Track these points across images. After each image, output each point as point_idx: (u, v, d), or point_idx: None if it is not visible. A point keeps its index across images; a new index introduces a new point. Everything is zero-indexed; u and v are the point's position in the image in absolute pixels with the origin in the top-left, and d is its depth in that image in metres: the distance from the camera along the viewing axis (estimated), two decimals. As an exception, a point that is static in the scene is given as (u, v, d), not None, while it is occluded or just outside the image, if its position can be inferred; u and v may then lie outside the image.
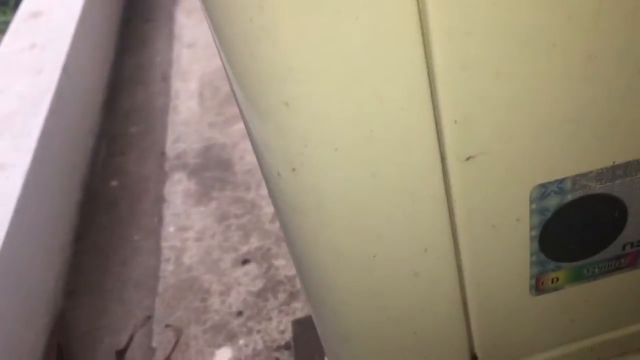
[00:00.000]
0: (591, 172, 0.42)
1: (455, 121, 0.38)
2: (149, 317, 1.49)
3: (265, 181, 0.45)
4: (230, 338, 1.53)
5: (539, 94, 0.37)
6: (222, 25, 0.36)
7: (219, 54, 0.39)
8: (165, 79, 2.00)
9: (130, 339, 1.40)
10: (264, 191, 1.96)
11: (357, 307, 0.48)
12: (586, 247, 0.47)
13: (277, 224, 1.82)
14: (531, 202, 0.43)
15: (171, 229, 1.67)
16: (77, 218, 1.52)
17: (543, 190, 0.42)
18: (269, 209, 1.83)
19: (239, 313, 1.60)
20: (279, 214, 0.46)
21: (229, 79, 0.40)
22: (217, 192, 1.83)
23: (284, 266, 1.65)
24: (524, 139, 0.39)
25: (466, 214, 0.43)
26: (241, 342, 1.54)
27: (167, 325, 1.43)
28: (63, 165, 1.42)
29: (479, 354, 0.52)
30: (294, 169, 0.40)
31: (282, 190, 0.43)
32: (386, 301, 0.48)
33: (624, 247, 0.47)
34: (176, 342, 1.36)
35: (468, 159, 0.39)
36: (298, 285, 1.63)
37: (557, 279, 0.48)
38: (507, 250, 0.45)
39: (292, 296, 1.62)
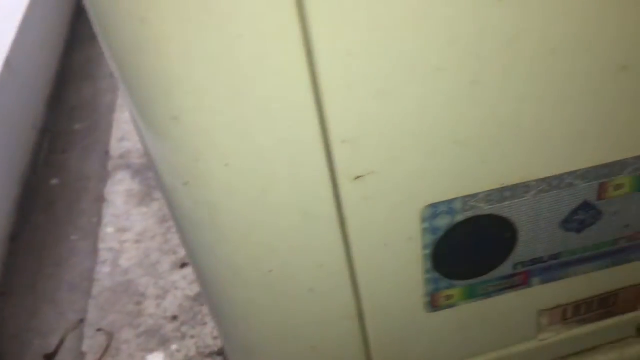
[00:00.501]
0: (480, 193, 0.43)
1: (343, 141, 0.38)
2: (81, 321, 1.45)
3: (162, 194, 0.44)
4: (163, 343, 1.50)
5: (424, 116, 0.38)
6: (110, 36, 0.35)
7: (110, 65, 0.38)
8: (114, 75, 1.96)
9: (61, 342, 1.36)
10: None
11: (256, 322, 0.48)
12: (478, 266, 0.47)
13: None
14: (422, 221, 0.43)
15: (110, 229, 1.63)
16: (13, 216, 1.48)
17: (434, 210, 0.43)
18: (211, 213, 1.80)
19: (174, 317, 1.57)
20: (178, 227, 0.46)
21: (121, 89, 0.39)
22: (160, 193, 1.79)
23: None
24: (412, 159, 0.40)
25: (358, 232, 0.43)
26: (174, 347, 1.52)
27: (99, 330, 1.40)
28: (1, 161, 1.38)
29: (378, 368, 0.53)
30: (185, 183, 0.40)
31: (176, 204, 0.42)
32: (284, 316, 0.48)
33: (515, 267, 0.48)
34: (107, 347, 1.33)
35: (357, 178, 0.40)
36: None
37: (452, 297, 0.49)
38: (401, 268, 0.46)
39: (228, 301, 1.60)
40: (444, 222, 0.44)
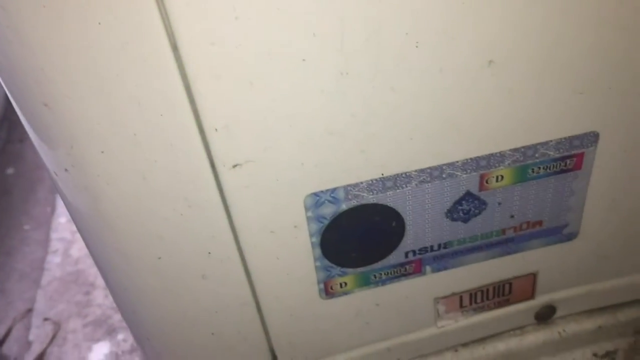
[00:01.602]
0: (361, 183, 0.43)
1: (216, 129, 0.38)
2: (30, 310, 1.44)
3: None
4: (110, 332, 1.50)
5: (295, 106, 0.38)
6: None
7: None
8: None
9: (8, 331, 1.35)
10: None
11: (152, 308, 0.48)
12: (368, 254, 0.48)
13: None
14: (306, 210, 0.44)
15: (63, 219, 1.61)
16: (-33, 205, 1.45)
17: (316, 199, 0.43)
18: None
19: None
20: (70, 214, 0.46)
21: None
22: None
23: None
24: (288, 149, 0.40)
25: (243, 220, 0.43)
26: (120, 337, 1.51)
27: (46, 319, 1.39)
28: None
29: (278, 355, 0.53)
30: (66, 170, 0.40)
31: (61, 190, 0.43)
32: (179, 302, 0.48)
33: (406, 255, 0.49)
34: (53, 336, 1.32)
35: (235, 166, 0.40)
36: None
37: (346, 284, 0.50)
38: (291, 256, 0.46)
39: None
40: (328, 211, 0.44)
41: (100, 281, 1.57)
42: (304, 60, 0.37)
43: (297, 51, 0.36)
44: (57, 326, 1.36)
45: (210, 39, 0.34)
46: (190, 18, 0.34)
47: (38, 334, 1.40)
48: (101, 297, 1.56)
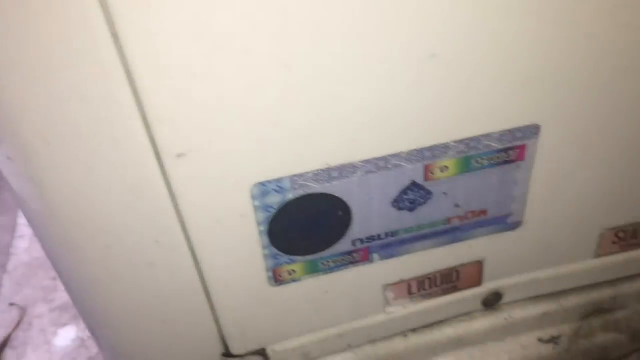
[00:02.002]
0: (307, 173, 0.44)
1: (159, 119, 0.38)
2: (-5, 295, 1.42)
3: None
4: (76, 317, 1.49)
5: (240, 97, 0.38)
6: None
7: None
8: None
9: (-27, 316, 1.33)
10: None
11: (101, 296, 0.48)
12: (315, 242, 0.49)
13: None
14: (253, 199, 0.44)
15: (30, 205, 1.58)
16: None
17: (263, 188, 0.44)
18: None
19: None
20: (17, 202, 0.46)
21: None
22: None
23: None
24: (234, 139, 0.40)
25: (190, 209, 0.43)
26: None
27: (12, 304, 1.37)
28: None
29: (228, 341, 0.54)
30: (9, 158, 0.40)
31: (8, 178, 0.42)
32: (128, 290, 0.48)
33: (354, 243, 0.50)
34: (19, 321, 1.31)
35: (179, 156, 0.40)
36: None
37: (294, 271, 0.50)
38: (239, 244, 0.47)
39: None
40: (275, 200, 0.44)
41: (66, 266, 1.54)
42: (246, 52, 0.37)
43: (239, 43, 0.36)
44: (23, 311, 1.35)
45: (152, 29, 0.34)
46: (131, 8, 0.33)
47: (3, 319, 1.38)
48: (67, 282, 1.54)
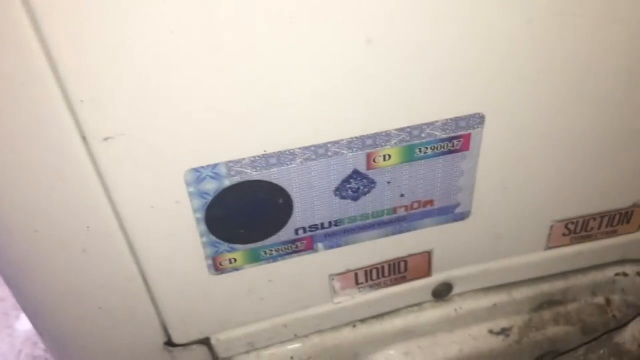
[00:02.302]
0: (244, 159, 0.42)
1: (82, 101, 0.37)
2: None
3: None
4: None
5: (169, 80, 0.37)
6: None
7: None
8: None
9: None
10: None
11: (33, 281, 0.47)
12: (256, 230, 0.47)
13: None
14: (187, 185, 0.42)
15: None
16: None
17: (197, 175, 0.42)
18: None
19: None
20: None
21: None
22: None
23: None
24: (164, 123, 0.39)
25: (122, 194, 0.42)
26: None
27: (-25, 288, 1.34)
28: None
29: (170, 330, 0.52)
30: None
31: None
32: (62, 277, 0.46)
33: (296, 232, 0.48)
34: (-20, 306, 1.28)
35: (106, 139, 0.39)
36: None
37: (235, 260, 0.49)
38: (175, 231, 0.45)
39: None
40: (211, 187, 0.43)
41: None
42: (172, 32, 0.35)
43: (165, 23, 0.34)
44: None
45: (71, 7, 0.33)
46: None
47: (-35, 301, 1.34)
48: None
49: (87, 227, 0.43)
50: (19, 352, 1.32)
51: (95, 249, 0.45)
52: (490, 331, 0.61)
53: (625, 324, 0.57)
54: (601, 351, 0.59)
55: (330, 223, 0.49)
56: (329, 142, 0.43)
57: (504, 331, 0.60)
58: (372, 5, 0.37)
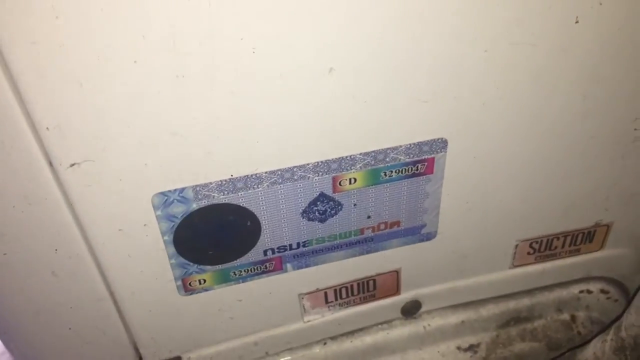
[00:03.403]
0: (211, 183, 0.42)
1: (47, 128, 0.36)
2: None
3: None
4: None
5: (132, 107, 0.37)
6: None
7: None
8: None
9: None
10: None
11: (3, 303, 0.46)
12: (225, 252, 0.47)
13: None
14: (155, 209, 0.42)
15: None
16: None
17: (165, 199, 0.42)
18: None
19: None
20: None
21: None
22: None
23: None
24: (129, 149, 0.39)
25: (90, 218, 0.42)
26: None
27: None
28: None
29: (141, 349, 0.52)
30: None
31: None
32: (31, 298, 0.46)
33: (265, 253, 0.48)
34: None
35: (73, 165, 0.38)
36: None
37: (205, 281, 0.49)
38: (144, 253, 0.45)
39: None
40: (178, 210, 0.43)
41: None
42: (135, 62, 0.35)
43: (127, 53, 0.34)
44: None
45: (31, 37, 0.33)
46: (8, 17, 0.32)
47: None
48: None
49: (55, 250, 0.43)
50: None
51: (64, 272, 0.44)
52: (459, 348, 0.61)
53: (588, 342, 0.58)
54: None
55: (298, 244, 0.49)
56: (295, 167, 0.43)
57: (472, 347, 0.61)
58: (333, 36, 0.37)
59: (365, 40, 0.38)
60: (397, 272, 0.55)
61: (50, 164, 0.38)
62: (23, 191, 0.39)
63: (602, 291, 0.61)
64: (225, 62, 0.37)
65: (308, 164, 0.43)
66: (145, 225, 0.43)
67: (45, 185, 0.39)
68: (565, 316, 0.62)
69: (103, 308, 0.48)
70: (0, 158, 0.37)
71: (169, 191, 0.42)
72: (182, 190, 0.42)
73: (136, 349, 0.52)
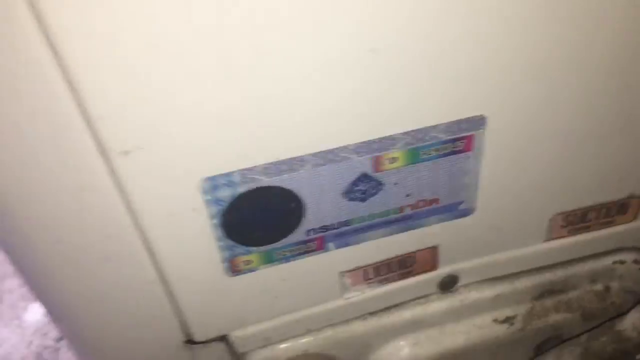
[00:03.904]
0: (256, 167, 0.43)
1: (101, 117, 0.37)
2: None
3: None
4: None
5: (179, 94, 0.37)
6: None
7: None
8: None
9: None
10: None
11: (59, 289, 0.48)
12: (270, 233, 0.48)
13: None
14: (204, 193, 0.43)
15: None
16: None
17: (213, 183, 0.43)
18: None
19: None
20: None
21: None
22: None
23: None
24: (179, 135, 0.39)
25: (141, 203, 0.43)
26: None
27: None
28: None
29: (191, 329, 0.53)
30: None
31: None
32: (84, 283, 0.47)
33: (308, 233, 0.49)
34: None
35: (126, 153, 0.39)
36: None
37: (251, 262, 0.50)
38: (193, 237, 0.46)
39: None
40: (226, 194, 0.44)
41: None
42: (182, 52, 0.36)
43: (177, 42, 0.35)
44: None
45: (87, 26, 0.33)
46: (63, 9, 0.32)
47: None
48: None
49: (109, 236, 0.44)
50: (30, 343, 1.33)
51: (117, 257, 0.45)
52: (495, 320, 0.61)
53: (626, 312, 0.58)
54: (603, 338, 0.60)
55: (339, 224, 0.49)
56: (338, 148, 0.44)
57: (508, 320, 0.61)
58: (376, 16, 0.38)
59: (406, 19, 0.38)
60: (435, 248, 0.55)
61: (103, 152, 0.39)
62: (78, 179, 0.40)
63: (635, 261, 0.62)
64: (270, 45, 0.37)
65: (350, 145, 0.44)
66: (194, 209, 0.44)
67: (99, 173, 0.40)
68: (599, 287, 0.62)
69: (154, 290, 0.49)
70: (55, 148, 0.38)
71: (217, 175, 0.42)
72: (230, 174, 0.43)
73: (185, 329, 0.53)
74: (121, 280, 0.47)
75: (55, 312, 0.51)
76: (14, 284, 1.37)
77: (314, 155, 0.44)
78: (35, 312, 1.37)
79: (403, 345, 0.60)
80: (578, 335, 0.61)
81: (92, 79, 0.35)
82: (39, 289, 0.48)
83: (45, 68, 0.34)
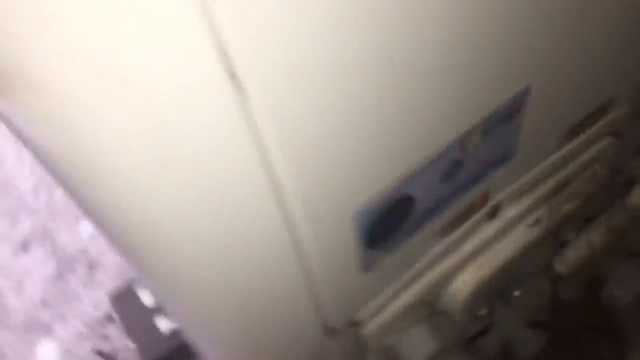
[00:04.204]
0: (391, 183, 0.52)
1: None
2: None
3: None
4: (47, 330, 1.46)
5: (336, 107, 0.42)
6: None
7: None
8: None
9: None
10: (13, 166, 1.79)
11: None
12: (397, 232, 0.58)
13: (41, 198, 1.69)
14: (352, 221, 0.51)
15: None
16: None
17: (362, 210, 0.51)
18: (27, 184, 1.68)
19: (44, 302, 1.51)
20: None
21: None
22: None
23: (69, 241, 1.57)
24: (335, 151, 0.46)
25: (295, 210, 0.48)
26: (59, 330, 1.47)
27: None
28: None
29: (328, 317, 0.62)
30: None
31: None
32: (234, 288, 0.51)
33: (415, 221, 0.59)
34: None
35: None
36: (94, 255, 1.58)
37: (379, 258, 0.59)
38: (336, 239, 0.53)
39: (92, 267, 1.57)
40: (371, 210, 0.52)
41: (3, 284, 1.49)
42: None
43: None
44: None
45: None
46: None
47: None
48: (15, 300, 1.50)
49: (261, 240, 0.48)
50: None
51: (265, 259, 0.50)
52: (528, 225, 0.76)
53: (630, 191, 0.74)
54: (620, 215, 0.76)
55: (435, 204, 0.60)
56: (442, 146, 0.53)
57: (537, 222, 0.76)
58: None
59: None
60: (487, 192, 0.68)
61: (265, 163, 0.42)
62: (239, 192, 0.44)
63: (610, 144, 0.77)
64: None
65: (449, 141, 0.53)
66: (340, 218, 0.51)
67: (258, 182, 0.43)
68: (590, 172, 0.78)
69: (297, 284, 0.55)
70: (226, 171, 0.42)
71: (368, 200, 0.51)
72: (375, 198, 0.51)
73: (322, 319, 0.61)
74: (267, 280, 0.53)
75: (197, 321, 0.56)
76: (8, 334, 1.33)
77: (426, 158, 0.53)
78: (44, 353, 1.34)
79: (470, 271, 0.73)
80: (597, 217, 0.77)
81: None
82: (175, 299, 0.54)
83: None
